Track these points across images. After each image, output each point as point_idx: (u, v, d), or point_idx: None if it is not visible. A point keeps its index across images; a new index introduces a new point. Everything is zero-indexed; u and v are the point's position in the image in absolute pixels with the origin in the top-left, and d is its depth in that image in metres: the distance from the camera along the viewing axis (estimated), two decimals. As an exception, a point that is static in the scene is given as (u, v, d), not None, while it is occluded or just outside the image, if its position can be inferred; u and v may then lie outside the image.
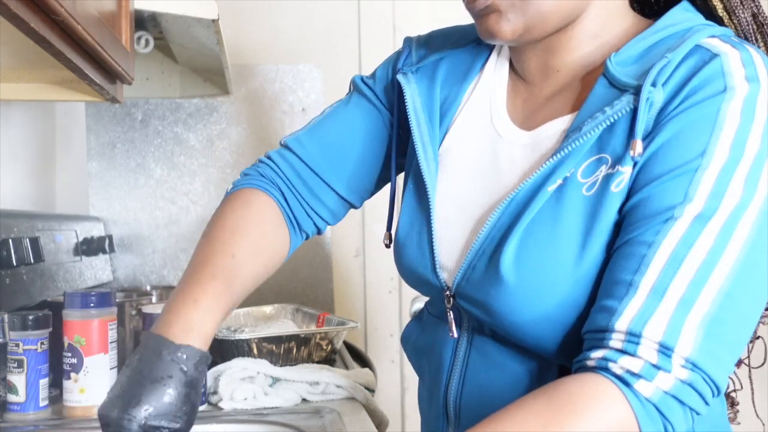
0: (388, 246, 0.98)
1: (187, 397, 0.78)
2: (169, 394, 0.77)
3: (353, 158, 0.99)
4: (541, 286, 0.76)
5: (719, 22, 0.84)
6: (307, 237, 1.02)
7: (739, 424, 0.94)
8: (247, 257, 0.89)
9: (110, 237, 2.11)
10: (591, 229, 0.75)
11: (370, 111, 1.00)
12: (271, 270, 0.95)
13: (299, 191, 0.98)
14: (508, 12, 0.81)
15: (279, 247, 0.96)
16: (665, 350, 0.68)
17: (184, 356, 0.78)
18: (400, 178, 1.02)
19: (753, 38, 0.84)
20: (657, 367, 0.68)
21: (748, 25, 0.83)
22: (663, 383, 0.68)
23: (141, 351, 0.80)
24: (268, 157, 1.00)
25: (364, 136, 1.00)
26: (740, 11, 0.83)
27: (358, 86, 1.03)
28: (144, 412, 0.76)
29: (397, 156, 1.01)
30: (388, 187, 1.05)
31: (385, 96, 1.00)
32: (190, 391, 0.79)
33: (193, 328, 0.80)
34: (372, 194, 1.05)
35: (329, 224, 1.03)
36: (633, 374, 0.68)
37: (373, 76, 1.03)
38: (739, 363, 0.92)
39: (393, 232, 0.96)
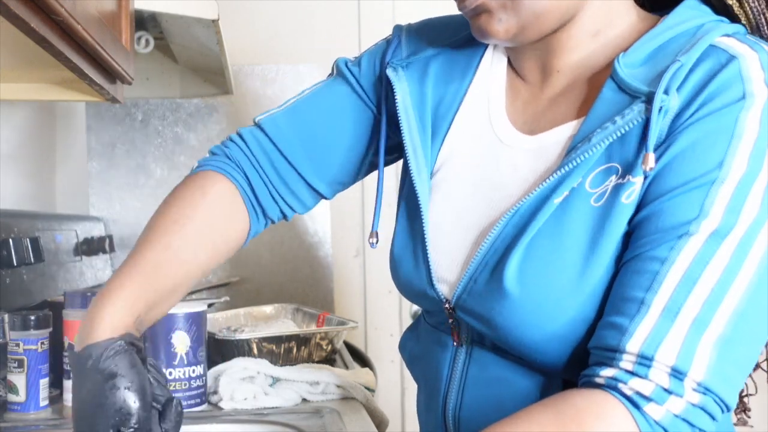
0: (373, 246, 0.93)
1: (120, 391, 0.74)
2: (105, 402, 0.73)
3: (332, 150, 0.95)
4: (547, 301, 0.73)
5: (730, 12, 0.80)
6: (272, 222, 0.98)
7: (752, 427, 0.92)
8: (187, 246, 0.86)
9: (110, 237, 2.11)
10: (598, 241, 0.72)
11: (354, 102, 0.95)
12: (221, 257, 0.91)
13: (268, 176, 0.94)
14: (499, 12, 0.77)
15: (232, 235, 0.92)
16: (678, 374, 0.66)
17: (89, 361, 0.75)
18: (388, 178, 0.97)
19: (765, 28, 0.79)
20: (668, 391, 0.66)
21: (759, 14, 0.79)
22: (674, 407, 0.66)
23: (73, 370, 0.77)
24: (239, 135, 0.95)
25: (346, 128, 0.95)
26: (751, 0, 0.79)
27: (341, 71, 0.97)
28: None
29: (385, 153, 0.95)
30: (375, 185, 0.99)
31: (373, 90, 0.95)
32: (117, 385, 0.74)
33: (99, 324, 0.77)
34: (346, 188, 1.00)
35: (297, 213, 0.98)
36: (643, 397, 0.66)
37: (358, 63, 0.96)
38: (756, 367, 0.89)
39: (389, 245, 0.91)
